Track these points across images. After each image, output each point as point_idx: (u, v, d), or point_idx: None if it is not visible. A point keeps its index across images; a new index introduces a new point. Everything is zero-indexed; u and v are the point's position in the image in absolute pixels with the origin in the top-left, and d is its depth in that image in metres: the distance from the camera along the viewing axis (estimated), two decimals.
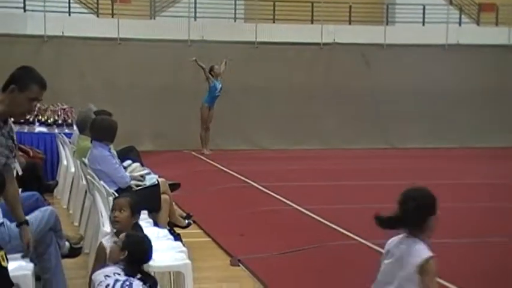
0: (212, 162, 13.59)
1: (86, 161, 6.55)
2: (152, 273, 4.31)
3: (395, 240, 3.68)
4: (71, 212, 8.50)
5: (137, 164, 7.21)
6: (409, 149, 16.43)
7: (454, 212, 8.99)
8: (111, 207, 4.65)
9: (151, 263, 4.32)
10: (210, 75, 14.85)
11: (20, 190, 4.85)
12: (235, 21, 18.54)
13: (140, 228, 4.69)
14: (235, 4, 18.42)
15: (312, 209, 8.74)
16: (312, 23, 18.38)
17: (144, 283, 4.00)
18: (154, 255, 4.30)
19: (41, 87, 4.37)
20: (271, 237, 7.47)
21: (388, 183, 11.50)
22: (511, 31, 18.03)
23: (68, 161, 9.17)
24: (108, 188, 5.59)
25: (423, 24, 19.02)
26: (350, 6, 18.74)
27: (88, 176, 6.20)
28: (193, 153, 15.11)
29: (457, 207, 9.38)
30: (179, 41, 16.38)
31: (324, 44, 17.18)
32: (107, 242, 4.42)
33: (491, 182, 11.71)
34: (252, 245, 7.09)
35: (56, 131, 10.84)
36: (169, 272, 5.02)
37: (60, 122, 11.41)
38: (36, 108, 11.62)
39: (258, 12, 17.58)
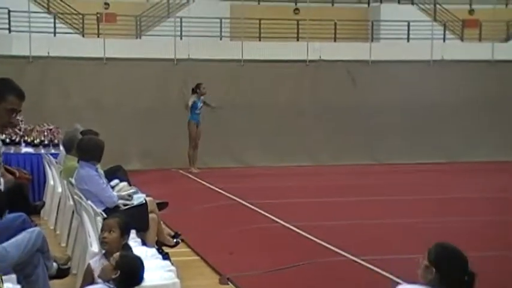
0: (200, 181, 13.56)
1: (73, 181, 6.51)
2: None
3: None
4: (58, 232, 8.43)
5: (124, 183, 7.18)
6: (396, 164, 16.48)
7: (444, 227, 9.02)
8: (100, 227, 4.61)
9: None
10: (194, 93, 14.93)
11: (6, 211, 4.80)
12: (221, 39, 18.62)
13: (130, 249, 4.66)
14: (220, 22, 18.50)
15: (301, 225, 8.73)
16: (298, 40, 18.48)
17: None
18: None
19: (18, 97, 4.26)
20: (260, 255, 7.44)
21: (375, 199, 11.54)
22: (494, 46, 18.21)
23: (54, 181, 9.11)
24: (95, 207, 5.56)
25: (408, 41, 19.18)
26: (335, 24, 18.88)
27: (75, 196, 6.16)
28: (181, 171, 15.07)
29: (446, 221, 9.41)
30: (165, 59, 16.39)
31: (310, 61, 17.25)
32: (95, 263, 4.39)
33: (479, 196, 11.76)
34: (241, 263, 7.06)
35: (43, 151, 10.78)
36: None
37: (46, 142, 11.36)
38: (22, 129, 11.58)
39: (243, 30, 17.65)
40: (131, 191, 6.81)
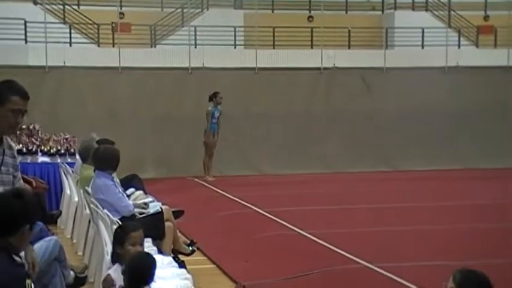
0: (215, 189, 13.59)
1: (89, 190, 6.56)
2: None
3: None
4: (74, 241, 8.48)
5: (140, 192, 7.22)
6: (412, 171, 16.41)
7: (460, 234, 8.97)
8: (128, 240, 4.45)
9: None
10: (211, 101, 14.95)
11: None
12: (235, 47, 18.67)
13: None
14: (235, 31, 18.56)
15: (316, 233, 8.72)
16: (312, 48, 18.49)
17: None
18: (159, 283, 4.28)
19: (22, 97, 4.20)
20: (276, 263, 7.44)
21: (391, 206, 11.50)
22: (510, 52, 18.12)
23: (71, 191, 9.17)
24: (112, 216, 5.59)
25: (422, 47, 19.12)
26: (349, 31, 18.87)
27: (92, 205, 6.20)
28: (196, 179, 15.11)
29: (463, 228, 9.36)
30: (180, 68, 16.48)
31: (324, 68, 17.26)
32: (115, 272, 4.38)
33: (495, 203, 11.68)
34: (257, 271, 7.06)
35: (59, 160, 10.86)
36: None
37: (62, 151, 11.44)
38: (39, 138, 11.68)
39: (257, 39, 17.70)
40: (147, 199, 6.85)
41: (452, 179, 15.18)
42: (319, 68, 17.25)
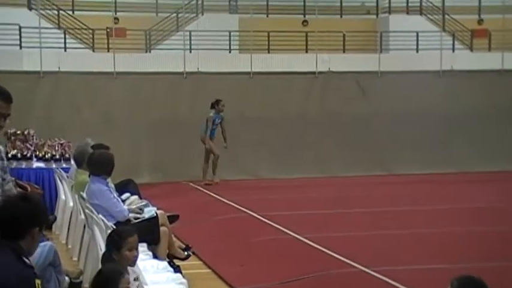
0: (210, 193, 13.58)
1: (84, 195, 6.55)
2: None
3: None
4: (69, 246, 8.46)
5: (135, 197, 7.22)
6: (407, 175, 16.42)
7: (456, 237, 8.98)
8: (126, 245, 4.41)
9: None
10: (213, 108, 14.93)
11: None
12: (230, 52, 18.68)
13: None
14: (229, 35, 18.57)
15: (312, 237, 8.71)
16: (307, 52, 18.52)
17: None
18: (154, 287, 4.28)
19: (5, 101, 4.17)
20: (271, 267, 7.43)
21: (386, 210, 11.51)
22: (504, 56, 18.17)
23: (66, 196, 9.15)
24: (106, 221, 5.59)
25: (417, 51, 19.16)
26: (344, 35, 18.91)
27: (86, 210, 6.19)
28: (192, 184, 15.10)
29: (458, 231, 9.38)
30: (175, 73, 16.48)
31: (319, 72, 17.28)
32: None
33: (491, 206, 11.70)
34: (253, 275, 7.06)
35: (54, 166, 10.84)
36: None
37: (57, 156, 11.41)
38: (34, 144, 11.65)
39: (252, 43, 17.73)
40: (142, 204, 6.84)
41: (447, 183, 15.20)
42: (314, 72, 17.26)
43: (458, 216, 10.89)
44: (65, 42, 17.56)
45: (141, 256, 5.23)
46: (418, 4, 21.20)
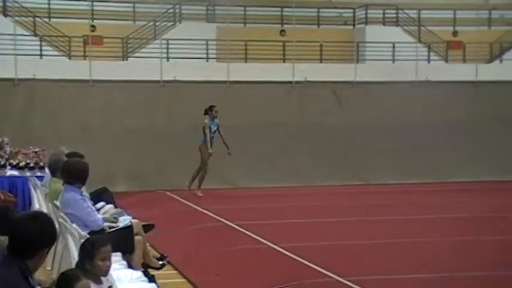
0: (187, 202, 13.53)
1: (58, 203, 6.48)
2: None
3: None
4: None
5: (110, 206, 7.16)
6: (383, 184, 16.52)
7: (430, 246, 9.04)
8: (98, 255, 4.37)
9: None
10: (206, 114, 14.63)
11: None
12: (207, 61, 18.69)
13: None
14: (207, 44, 18.58)
15: (288, 246, 8.72)
16: (284, 61, 18.59)
17: None
18: None
19: None
20: (247, 277, 7.42)
21: (363, 220, 11.56)
22: (478, 67, 18.40)
23: (40, 204, 9.05)
24: (80, 231, 5.54)
25: (393, 62, 19.33)
26: (321, 45, 19.01)
27: (60, 219, 6.13)
28: (168, 193, 15.03)
29: (434, 241, 9.44)
30: (152, 81, 16.43)
31: (296, 82, 17.35)
32: None
33: (466, 216, 11.81)
34: (228, 285, 7.04)
35: (28, 174, 10.75)
36: None
37: (32, 165, 11.32)
38: (8, 151, 11.54)
39: (230, 52, 17.74)
40: (117, 213, 6.78)
41: (423, 193, 15.31)
42: (291, 82, 17.33)
43: (433, 226, 10.97)
44: (40, 50, 17.44)
45: (115, 265, 5.19)
46: (395, 15, 21.40)
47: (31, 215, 3.60)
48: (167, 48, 17.83)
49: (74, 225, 5.64)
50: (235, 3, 20.08)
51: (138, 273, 5.44)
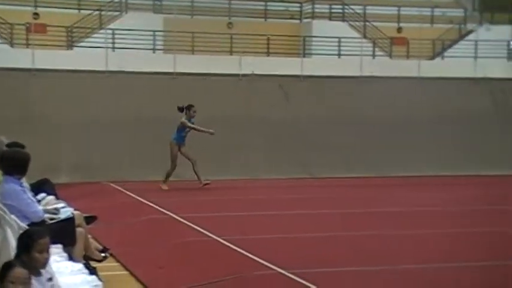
0: (132, 195, 13.40)
1: None
2: None
3: None
4: None
5: (52, 197, 7.04)
6: (330, 178, 16.71)
7: (375, 240, 9.20)
8: (36, 247, 4.30)
9: None
10: (184, 114, 14.35)
11: None
12: (154, 52, 18.53)
13: None
14: (154, 35, 18.42)
15: (232, 239, 8.74)
16: (231, 54, 18.59)
17: None
18: None
19: None
20: (191, 269, 7.41)
21: (307, 213, 11.68)
22: (421, 64, 18.77)
23: None
24: (19, 222, 5.43)
25: (339, 57, 19.56)
26: (268, 39, 19.08)
27: None
28: (113, 185, 14.87)
29: (376, 234, 9.61)
30: (97, 71, 16.21)
31: (243, 75, 17.38)
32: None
33: (406, 210, 12.05)
34: (171, 278, 7.01)
35: None
36: None
37: None
38: None
39: (176, 44, 17.63)
40: (58, 205, 6.68)
41: (367, 186, 15.56)
42: (238, 75, 17.35)
43: (374, 219, 11.16)
44: None
45: (56, 258, 5.12)
46: (341, 11, 21.64)
47: None
48: (113, 38, 17.59)
49: (13, 216, 5.52)
50: None
51: (79, 266, 5.37)
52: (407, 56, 20.35)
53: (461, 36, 22.07)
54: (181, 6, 20.12)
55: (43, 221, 6.24)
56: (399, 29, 21.98)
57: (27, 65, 15.67)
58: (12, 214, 5.62)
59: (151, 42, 18.43)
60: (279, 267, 7.27)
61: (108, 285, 5.73)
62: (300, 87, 17.64)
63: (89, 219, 6.94)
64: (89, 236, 6.81)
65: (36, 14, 18.32)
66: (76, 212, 6.60)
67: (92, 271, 5.99)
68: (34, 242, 4.29)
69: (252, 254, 7.99)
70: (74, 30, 18.58)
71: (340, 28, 20.82)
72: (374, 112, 17.77)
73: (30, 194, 6.43)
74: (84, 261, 6.27)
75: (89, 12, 19.14)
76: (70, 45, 18.35)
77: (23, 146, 7.21)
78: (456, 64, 19.57)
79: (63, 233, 6.03)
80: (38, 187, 7.31)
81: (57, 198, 7.24)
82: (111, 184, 14.92)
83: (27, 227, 5.31)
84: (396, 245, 8.90)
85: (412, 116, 18.01)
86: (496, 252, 8.35)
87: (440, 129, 18.04)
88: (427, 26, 21.72)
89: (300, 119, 17.38)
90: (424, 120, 18.05)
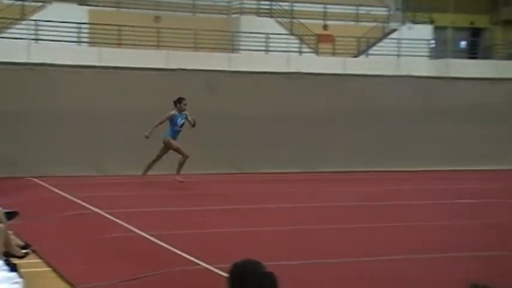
0: (55, 190, 13.14)
1: None
2: None
3: None
4: None
5: None
6: (258, 173, 16.81)
7: (299, 235, 9.35)
8: None
9: None
10: (175, 107, 13.97)
11: None
12: (79, 45, 18.18)
13: None
14: (79, 27, 18.07)
15: (157, 235, 8.70)
16: (159, 48, 18.45)
17: None
18: None
19: None
20: (114, 265, 7.34)
21: (234, 208, 11.75)
22: (346, 61, 19.15)
23: None
24: None
25: (266, 53, 19.70)
26: (196, 33, 19.03)
27: None
28: (36, 180, 14.52)
29: (301, 229, 9.77)
30: (19, 63, 15.77)
31: (170, 69, 17.26)
32: None
33: (335, 205, 12.30)
34: (94, 273, 6.93)
35: None
36: None
37: None
38: None
39: (102, 37, 17.36)
40: None
41: (290, 182, 15.76)
42: (165, 69, 17.22)
43: (300, 214, 11.34)
44: None
45: None
46: (269, 7, 21.81)
47: None
48: (36, 29, 17.16)
49: None
50: None
51: None
52: (334, 53, 20.71)
53: (385, 35, 22.62)
54: None
55: None
56: (325, 27, 22.34)
57: None
58: None
59: (76, 34, 18.06)
60: (204, 262, 7.30)
61: (30, 282, 5.62)
62: (228, 83, 17.67)
63: (10, 215, 6.77)
64: (10, 232, 6.65)
65: None
66: None
67: (13, 268, 5.85)
68: None
69: (178, 249, 7.98)
70: None
71: (268, 24, 20.98)
72: (301, 108, 17.98)
73: None
74: (5, 258, 6.12)
75: (11, 2, 18.59)
76: None
77: None
78: (380, 62, 20.06)
79: None
80: None
81: None
82: (35, 179, 14.58)
83: None
84: (315, 239, 9.08)
85: (337, 111, 18.31)
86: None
87: (362, 126, 18.43)
88: (352, 24, 22.17)
89: (227, 114, 17.40)
90: (349, 116, 18.41)
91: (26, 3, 18.54)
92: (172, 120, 13.98)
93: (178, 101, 14.04)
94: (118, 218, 9.97)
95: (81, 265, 7.29)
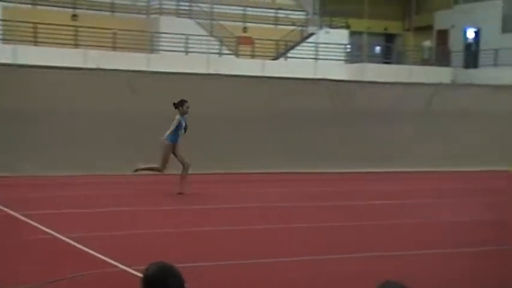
0: None
1: None
2: None
3: None
4: None
5: None
6: (173, 175, 16.73)
7: (236, 235, 9.44)
8: None
9: None
10: (177, 110, 13.25)
11: None
12: None
13: None
14: None
15: (74, 237, 8.60)
16: (76, 47, 18.16)
17: None
18: None
19: None
20: (29, 269, 7.21)
21: (159, 209, 11.72)
22: (265, 63, 19.41)
23: None
24: None
25: (186, 54, 19.73)
26: (114, 33, 18.85)
27: None
28: None
29: (236, 230, 9.87)
30: None
31: (88, 69, 17.01)
32: None
33: (260, 206, 12.47)
34: (8, 277, 6.80)
35: None
36: None
37: None
38: None
39: (17, 34, 16.93)
40: None
41: (211, 183, 15.84)
42: (82, 68, 16.96)
43: (233, 215, 11.44)
44: None
45: None
46: (188, 8, 21.84)
47: None
48: None
49: None
50: None
51: None
52: (253, 56, 20.95)
53: (303, 39, 23.06)
54: None
55: None
56: (245, 29, 22.56)
57: None
58: None
59: None
60: (122, 264, 7.28)
61: None
62: (147, 83, 17.55)
63: None
64: None
65: None
66: None
67: None
68: None
69: (96, 252, 7.92)
70: None
71: (188, 25, 21.00)
72: (220, 109, 18.06)
73: None
74: None
75: None
76: None
77: None
78: (298, 65, 20.43)
79: None
80: None
81: None
82: None
83: None
84: (250, 239, 9.22)
85: (256, 113, 18.49)
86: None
87: (279, 127, 18.67)
88: (271, 27, 22.51)
89: (147, 114, 17.27)
90: (265, 117, 18.61)
91: None
92: (178, 124, 13.32)
93: (181, 104, 13.30)
94: (33, 220, 9.76)
95: None
